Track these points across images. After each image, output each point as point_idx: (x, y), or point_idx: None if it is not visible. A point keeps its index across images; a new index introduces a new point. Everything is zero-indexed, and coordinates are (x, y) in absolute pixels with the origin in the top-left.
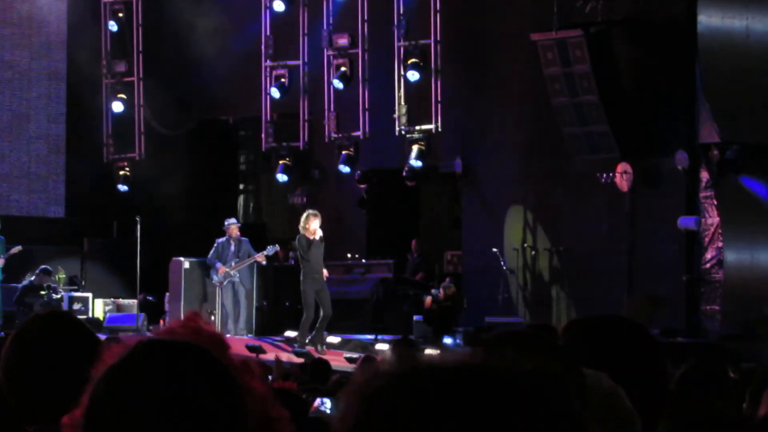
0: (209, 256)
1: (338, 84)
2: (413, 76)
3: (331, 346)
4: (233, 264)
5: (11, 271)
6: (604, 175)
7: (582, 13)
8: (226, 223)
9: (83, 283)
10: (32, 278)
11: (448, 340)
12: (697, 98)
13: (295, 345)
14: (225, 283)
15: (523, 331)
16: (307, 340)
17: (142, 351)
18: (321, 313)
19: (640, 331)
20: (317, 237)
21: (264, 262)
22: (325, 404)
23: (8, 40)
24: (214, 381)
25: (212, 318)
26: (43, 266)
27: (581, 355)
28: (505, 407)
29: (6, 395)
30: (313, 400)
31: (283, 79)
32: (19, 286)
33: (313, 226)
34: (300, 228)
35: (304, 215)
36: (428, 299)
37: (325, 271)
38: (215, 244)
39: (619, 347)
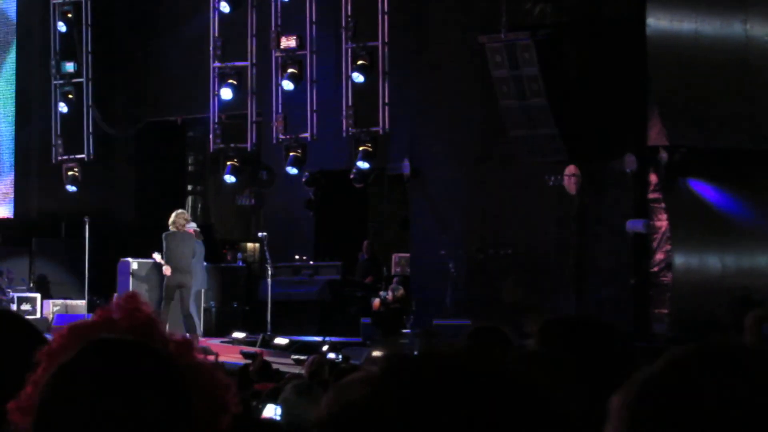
0: None
1: (287, 85)
2: (358, 78)
3: (278, 347)
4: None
5: None
6: (552, 177)
7: (530, 15)
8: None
9: (31, 284)
10: None
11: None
12: (646, 101)
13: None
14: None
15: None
16: None
17: (91, 351)
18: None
19: (613, 332)
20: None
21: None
22: (277, 412)
23: None
24: (163, 382)
25: None
26: None
27: (554, 354)
28: (493, 402)
29: None
30: (263, 406)
31: (231, 80)
32: None
33: (184, 222)
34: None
35: (174, 213)
36: (376, 301)
37: (166, 269)
38: None
39: (593, 347)
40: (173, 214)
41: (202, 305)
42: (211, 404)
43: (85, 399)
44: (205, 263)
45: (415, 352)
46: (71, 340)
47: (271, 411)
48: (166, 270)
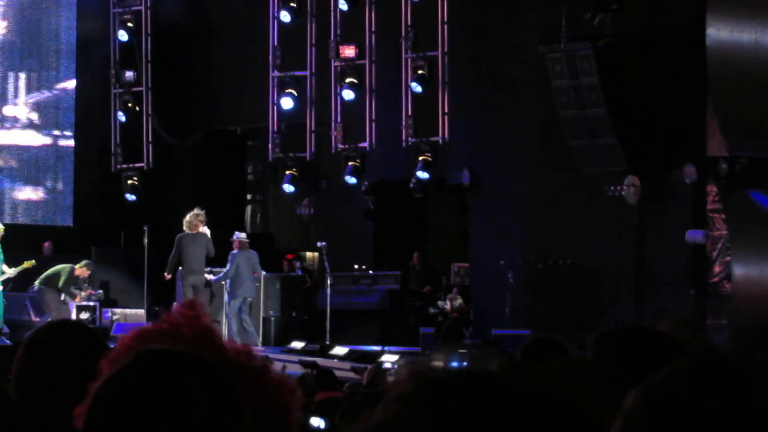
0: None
1: (347, 95)
2: (417, 88)
3: (337, 356)
4: None
5: (17, 280)
6: (612, 188)
7: (590, 25)
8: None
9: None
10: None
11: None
12: (705, 111)
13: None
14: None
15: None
16: None
17: (140, 362)
18: None
19: (670, 342)
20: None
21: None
22: (320, 426)
23: (18, 49)
24: (213, 393)
25: None
26: (87, 259)
27: (610, 365)
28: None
29: (16, 403)
30: (307, 418)
31: (290, 90)
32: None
33: (198, 223)
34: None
35: (189, 214)
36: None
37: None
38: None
39: (649, 358)
40: (189, 214)
41: (261, 314)
42: (276, 407)
43: (131, 410)
44: (263, 272)
45: (445, 368)
46: (136, 348)
47: (316, 423)
48: (168, 276)
